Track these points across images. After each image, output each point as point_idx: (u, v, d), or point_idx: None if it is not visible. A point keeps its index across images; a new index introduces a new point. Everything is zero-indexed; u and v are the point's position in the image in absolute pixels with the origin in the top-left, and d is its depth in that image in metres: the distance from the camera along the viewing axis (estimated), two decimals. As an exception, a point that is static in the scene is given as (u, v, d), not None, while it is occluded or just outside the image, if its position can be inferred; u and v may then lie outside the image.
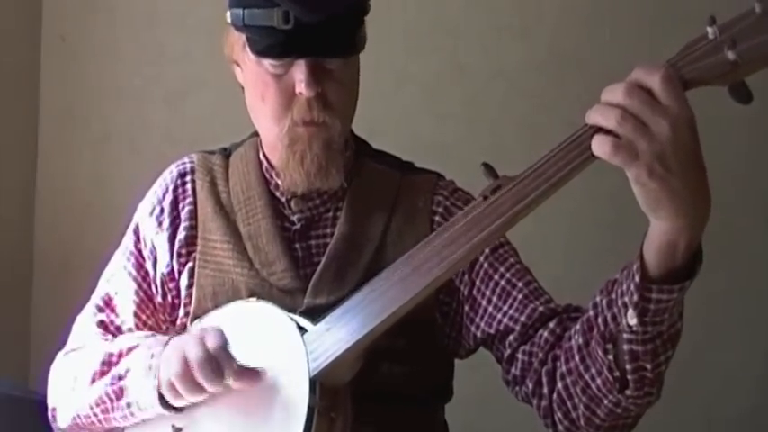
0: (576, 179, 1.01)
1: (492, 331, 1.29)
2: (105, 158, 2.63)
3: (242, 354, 1.20)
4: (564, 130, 1.00)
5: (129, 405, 1.28)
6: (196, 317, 1.33)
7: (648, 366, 1.07)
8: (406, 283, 1.13)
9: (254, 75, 1.30)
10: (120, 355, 1.32)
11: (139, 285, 1.40)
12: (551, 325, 1.24)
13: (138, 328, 1.40)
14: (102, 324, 1.41)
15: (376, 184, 1.37)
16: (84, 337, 1.42)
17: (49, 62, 2.66)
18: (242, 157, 1.40)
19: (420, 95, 2.46)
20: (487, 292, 1.30)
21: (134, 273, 1.41)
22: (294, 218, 1.35)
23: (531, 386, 1.24)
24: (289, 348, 1.20)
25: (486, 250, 1.30)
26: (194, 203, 1.39)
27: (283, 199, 1.36)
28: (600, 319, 1.10)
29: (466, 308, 1.32)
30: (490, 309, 1.29)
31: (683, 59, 0.94)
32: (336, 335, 1.18)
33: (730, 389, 2.35)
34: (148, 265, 1.40)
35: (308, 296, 1.29)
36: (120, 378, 1.29)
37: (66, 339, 1.44)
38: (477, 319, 1.30)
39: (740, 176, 2.28)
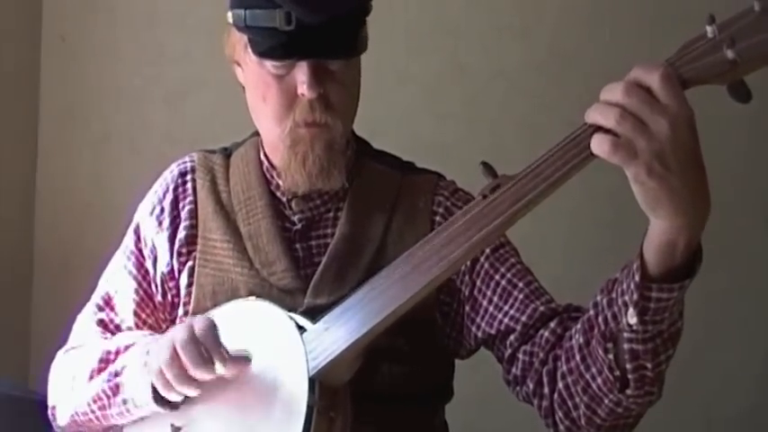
0: (575, 178, 1.01)
1: (493, 331, 1.28)
2: (105, 158, 2.63)
3: (241, 353, 1.20)
4: (564, 130, 1.00)
5: (125, 402, 1.28)
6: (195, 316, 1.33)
7: (649, 365, 1.07)
8: (406, 282, 1.13)
9: (255, 75, 1.30)
10: (117, 353, 1.32)
11: (139, 284, 1.40)
12: (552, 325, 1.24)
13: (137, 327, 1.40)
14: (101, 323, 1.41)
15: (377, 184, 1.37)
16: (84, 335, 1.42)
17: (49, 62, 2.66)
18: (243, 157, 1.40)
19: (420, 95, 2.46)
20: (488, 293, 1.30)
21: (134, 272, 1.41)
22: (295, 218, 1.35)
23: (531, 386, 1.23)
24: (288, 347, 1.20)
25: (487, 250, 1.30)
26: (195, 203, 1.39)
27: (284, 199, 1.36)
28: (600, 319, 1.10)
29: (467, 308, 1.31)
30: (491, 309, 1.29)
31: (682, 58, 0.94)
32: (335, 334, 1.18)
33: (730, 388, 2.35)
34: (148, 265, 1.40)
35: (308, 296, 1.29)
36: (116, 375, 1.29)
37: (67, 339, 1.44)
38: (478, 320, 1.30)
39: (740, 176, 2.28)
